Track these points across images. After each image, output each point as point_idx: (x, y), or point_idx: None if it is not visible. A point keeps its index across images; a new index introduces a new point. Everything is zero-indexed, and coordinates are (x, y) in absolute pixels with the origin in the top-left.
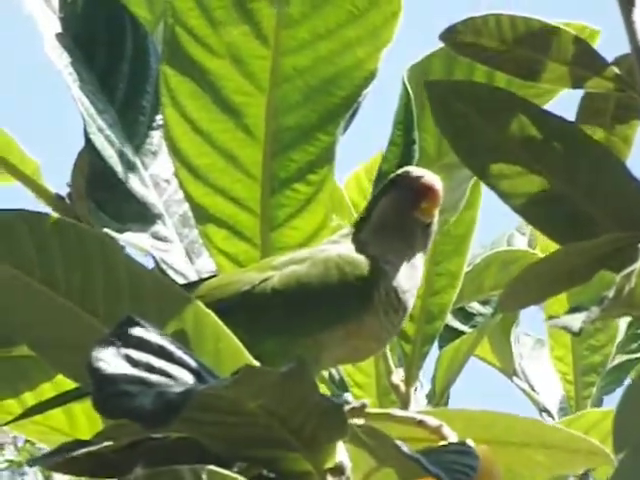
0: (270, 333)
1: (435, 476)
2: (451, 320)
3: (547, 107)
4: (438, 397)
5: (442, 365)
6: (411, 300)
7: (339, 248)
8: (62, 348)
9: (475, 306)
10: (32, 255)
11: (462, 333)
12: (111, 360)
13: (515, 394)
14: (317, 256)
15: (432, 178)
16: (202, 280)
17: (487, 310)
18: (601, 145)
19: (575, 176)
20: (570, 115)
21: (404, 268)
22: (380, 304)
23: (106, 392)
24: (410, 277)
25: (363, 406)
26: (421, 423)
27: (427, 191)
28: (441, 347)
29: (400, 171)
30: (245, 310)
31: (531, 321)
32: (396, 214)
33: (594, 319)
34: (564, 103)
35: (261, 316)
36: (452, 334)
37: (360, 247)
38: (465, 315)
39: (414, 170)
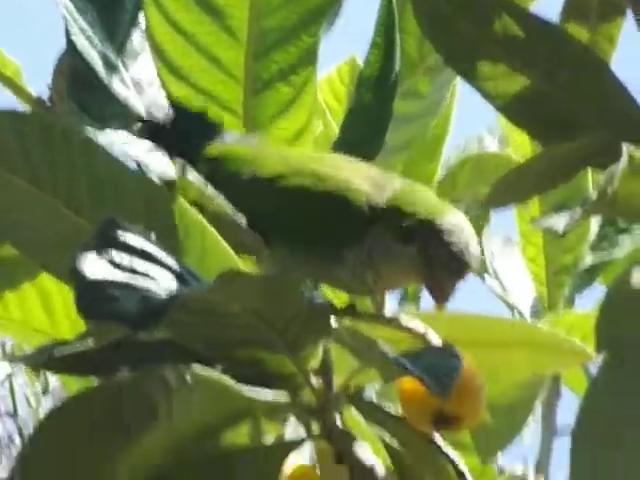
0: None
1: (418, 379)
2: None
3: (531, 9)
4: (410, 298)
5: None
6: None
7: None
8: (48, 248)
9: None
10: (16, 153)
11: None
12: (93, 263)
13: (486, 294)
14: (339, 177)
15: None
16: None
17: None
18: (584, 45)
19: (557, 76)
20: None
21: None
22: (354, 264)
23: (90, 296)
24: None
25: (351, 308)
26: (406, 326)
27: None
28: None
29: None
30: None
31: (500, 220)
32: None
33: (578, 220)
34: (547, 5)
35: (260, 214)
36: None
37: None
38: None
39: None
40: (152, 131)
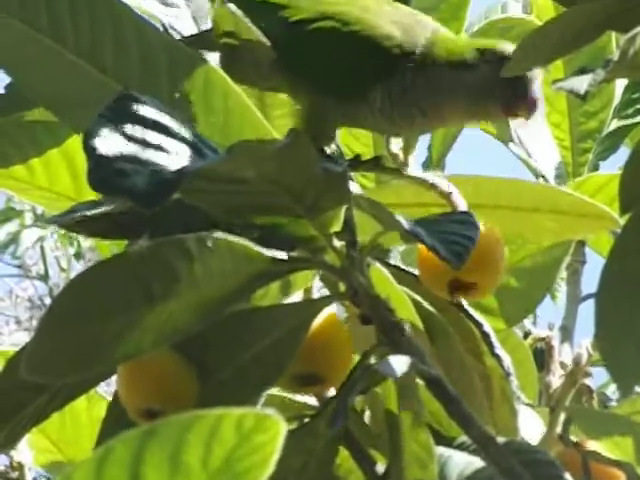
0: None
1: (432, 249)
2: None
3: None
4: (435, 165)
5: (438, 132)
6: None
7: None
8: (73, 105)
9: None
10: (41, 11)
11: None
12: (107, 137)
13: (510, 161)
14: (369, 21)
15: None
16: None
17: None
18: None
19: None
20: None
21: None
22: (381, 103)
23: (101, 171)
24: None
25: (376, 159)
26: (433, 186)
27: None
28: None
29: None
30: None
31: None
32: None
33: (600, 81)
34: None
35: (297, 56)
36: None
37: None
38: None
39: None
40: None
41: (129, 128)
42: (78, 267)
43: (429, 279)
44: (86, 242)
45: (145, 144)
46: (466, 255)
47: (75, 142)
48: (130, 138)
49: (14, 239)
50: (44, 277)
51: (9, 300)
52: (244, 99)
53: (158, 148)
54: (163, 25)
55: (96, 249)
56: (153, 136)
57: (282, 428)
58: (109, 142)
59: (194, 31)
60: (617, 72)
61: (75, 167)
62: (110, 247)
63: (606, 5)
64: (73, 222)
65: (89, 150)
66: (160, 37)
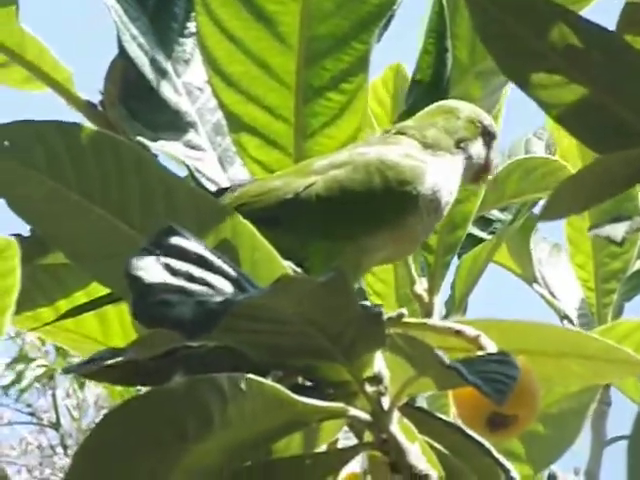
0: (315, 240)
1: (474, 386)
2: (470, 227)
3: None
4: (457, 304)
5: (461, 272)
6: (449, 199)
7: (379, 151)
8: (100, 258)
9: (494, 212)
10: (68, 167)
11: (481, 240)
12: (151, 269)
13: (534, 301)
14: (357, 160)
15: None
16: (235, 186)
17: (506, 217)
18: None
19: (616, 85)
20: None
21: (444, 169)
22: (424, 206)
23: (146, 301)
24: (448, 179)
25: (400, 316)
26: (459, 333)
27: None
28: (460, 255)
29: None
30: (290, 219)
31: (548, 227)
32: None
33: (636, 229)
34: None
35: (306, 224)
36: (471, 241)
37: (401, 149)
38: (484, 222)
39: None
40: None
41: (172, 261)
42: (90, 412)
43: (467, 417)
44: (97, 389)
45: (189, 277)
46: (508, 391)
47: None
48: (174, 270)
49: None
50: (56, 425)
51: (19, 448)
52: (272, 251)
53: (202, 281)
54: (188, 168)
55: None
56: (196, 270)
57: None
58: (153, 273)
59: (219, 174)
60: None
61: (103, 311)
62: (122, 392)
63: None
64: (96, 370)
65: (132, 281)
66: (185, 187)
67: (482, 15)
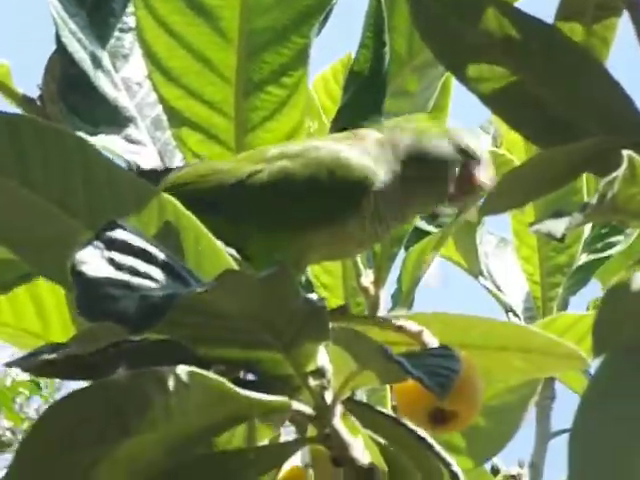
0: (255, 231)
1: (417, 379)
2: (417, 220)
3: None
4: (404, 297)
5: (408, 266)
6: (397, 215)
7: (334, 147)
8: (42, 250)
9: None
10: (9, 156)
11: (428, 233)
12: (95, 263)
13: (480, 294)
14: (310, 155)
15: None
16: (182, 167)
17: (452, 210)
18: (581, 47)
19: (555, 79)
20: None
21: (395, 184)
22: (367, 212)
23: (90, 295)
24: (397, 193)
25: (344, 309)
26: (401, 328)
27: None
28: (406, 248)
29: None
30: (231, 206)
31: (494, 220)
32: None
33: (577, 225)
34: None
35: (249, 212)
36: (417, 234)
37: (359, 154)
38: (430, 215)
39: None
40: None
41: (117, 256)
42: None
43: (409, 411)
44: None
45: (133, 271)
46: (451, 385)
47: (42, 280)
48: (118, 265)
49: None
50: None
51: None
52: (215, 243)
53: (146, 276)
54: (127, 162)
55: None
56: (141, 264)
57: None
58: (97, 267)
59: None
60: (595, 216)
61: (43, 306)
62: None
63: (583, 148)
64: (37, 364)
65: (76, 275)
66: (129, 178)
67: (424, 12)
